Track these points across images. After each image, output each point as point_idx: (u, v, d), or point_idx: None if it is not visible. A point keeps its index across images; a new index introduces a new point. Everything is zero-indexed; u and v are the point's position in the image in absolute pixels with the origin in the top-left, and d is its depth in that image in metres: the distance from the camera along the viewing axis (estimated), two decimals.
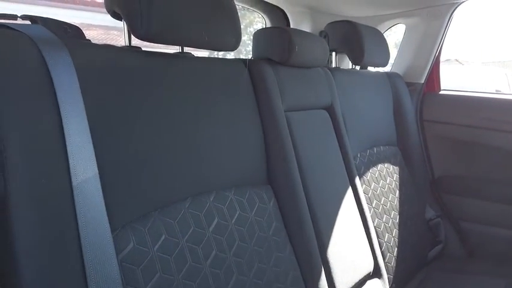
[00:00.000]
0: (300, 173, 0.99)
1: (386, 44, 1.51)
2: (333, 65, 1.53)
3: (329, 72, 1.25)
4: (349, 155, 1.21)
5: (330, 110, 1.21)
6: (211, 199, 0.78)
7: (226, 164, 0.84)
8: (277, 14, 1.71)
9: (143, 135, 0.67)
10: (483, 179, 1.62)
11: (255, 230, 0.84)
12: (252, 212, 0.85)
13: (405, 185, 1.49)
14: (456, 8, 1.58)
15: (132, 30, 0.69)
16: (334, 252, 1.00)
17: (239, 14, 0.88)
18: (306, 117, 1.09)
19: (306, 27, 1.68)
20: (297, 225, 0.94)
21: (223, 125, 0.84)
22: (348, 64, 1.66)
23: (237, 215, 0.81)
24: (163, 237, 0.66)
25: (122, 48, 0.73)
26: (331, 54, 1.51)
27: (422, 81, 1.72)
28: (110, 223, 0.57)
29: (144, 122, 0.68)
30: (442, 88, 1.78)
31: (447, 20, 1.61)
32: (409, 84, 1.70)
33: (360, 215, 1.17)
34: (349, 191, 1.16)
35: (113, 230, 0.58)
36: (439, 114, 1.71)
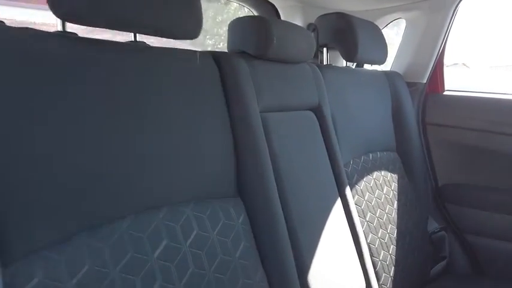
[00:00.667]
0: (277, 183, 0.85)
1: (384, 39, 1.37)
2: (324, 62, 1.40)
3: (317, 69, 1.11)
4: (339, 162, 1.07)
5: (317, 111, 1.07)
6: (161, 216, 0.65)
7: (184, 173, 0.70)
8: (267, 8, 1.58)
9: (66, 138, 0.54)
10: (492, 188, 1.47)
11: (216, 253, 0.70)
12: (215, 231, 0.72)
13: (405, 195, 1.34)
14: (461, 0, 1.44)
15: (52, 7, 0.56)
16: (317, 276, 0.86)
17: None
18: (287, 119, 0.96)
19: (298, 23, 1.55)
20: (272, 245, 0.80)
21: (181, 129, 0.71)
22: (342, 62, 1.53)
23: (193, 235, 0.68)
24: (86, 267, 0.53)
25: (47, 33, 0.61)
26: (321, 51, 1.38)
27: (425, 81, 1.57)
28: (2, 254, 0.44)
29: (68, 121, 0.55)
30: (446, 89, 1.63)
31: (451, 13, 1.47)
32: (410, 85, 1.55)
33: (351, 230, 1.03)
34: (338, 202, 1.02)
35: (7, 263, 0.45)
36: (443, 117, 1.56)
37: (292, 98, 0.99)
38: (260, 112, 0.87)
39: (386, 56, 1.37)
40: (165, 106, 0.69)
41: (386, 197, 1.25)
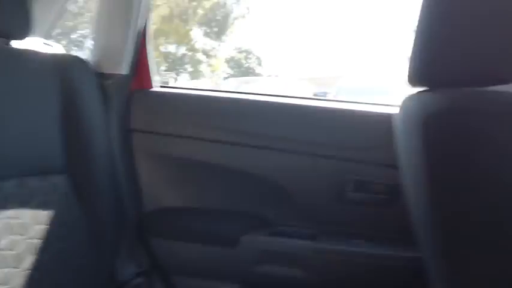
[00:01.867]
0: None
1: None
2: None
3: None
4: None
5: None
6: None
7: None
8: None
9: None
10: (202, 212, 1.15)
11: None
12: None
13: (62, 239, 0.89)
14: None
15: None
16: None
17: None
18: None
19: None
20: None
21: None
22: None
23: None
24: None
25: None
26: None
27: (126, 73, 1.16)
28: None
29: None
30: (160, 84, 1.26)
31: None
32: (106, 77, 1.12)
33: None
34: None
35: None
36: (151, 121, 1.18)
37: None
38: None
39: (29, 26, 0.90)
40: None
41: (11, 255, 0.77)
